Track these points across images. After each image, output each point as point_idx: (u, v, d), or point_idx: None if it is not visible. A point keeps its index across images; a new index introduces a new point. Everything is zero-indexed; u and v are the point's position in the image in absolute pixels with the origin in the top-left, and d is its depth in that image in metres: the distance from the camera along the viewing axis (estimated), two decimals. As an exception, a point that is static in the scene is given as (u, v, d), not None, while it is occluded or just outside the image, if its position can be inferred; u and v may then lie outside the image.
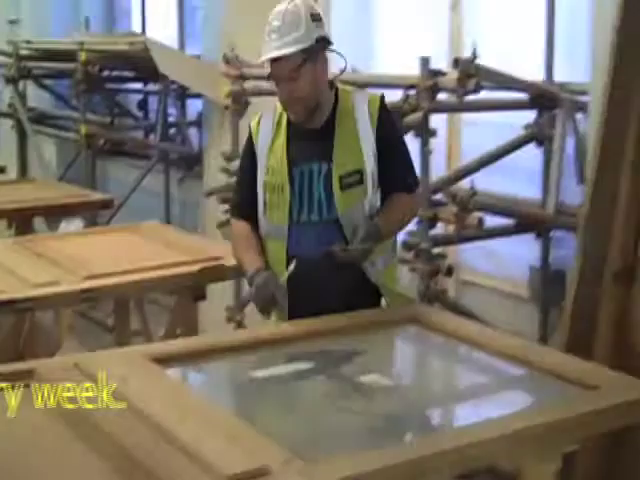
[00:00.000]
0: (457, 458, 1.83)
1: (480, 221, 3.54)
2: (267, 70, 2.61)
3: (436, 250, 3.73)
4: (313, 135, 2.67)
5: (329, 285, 2.67)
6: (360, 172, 2.64)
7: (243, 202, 2.80)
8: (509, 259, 4.37)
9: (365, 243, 2.60)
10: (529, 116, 4.01)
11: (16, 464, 1.81)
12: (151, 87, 7.21)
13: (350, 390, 2.23)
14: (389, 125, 2.71)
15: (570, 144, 3.94)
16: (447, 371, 2.60)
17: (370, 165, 2.64)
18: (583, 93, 3.68)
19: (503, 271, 4.38)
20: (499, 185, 4.15)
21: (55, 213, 4.93)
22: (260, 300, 2.60)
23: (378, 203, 2.72)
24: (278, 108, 2.71)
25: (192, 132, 6.80)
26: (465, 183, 3.81)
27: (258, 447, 1.79)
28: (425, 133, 3.50)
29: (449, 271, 3.65)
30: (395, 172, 2.69)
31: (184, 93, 6.74)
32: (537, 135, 3.96)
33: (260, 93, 4.60)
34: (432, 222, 3.65)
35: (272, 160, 2.68)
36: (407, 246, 3.70)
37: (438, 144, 4.63)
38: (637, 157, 3.03)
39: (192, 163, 6.65)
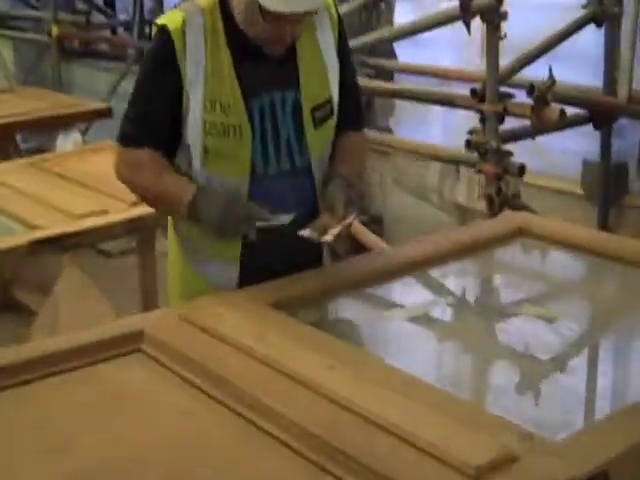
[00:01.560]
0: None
1: (562, 113, 3.17)
2: (270, 8, 1.82)
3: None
4: (268, 56, 1.96)
5: (282, 250, 2.03)
6: (330, 102, 2.01)
7: (151, 133, 1.98)
8: (559, 154, 4.04)
9: (348, 211, 1.97)
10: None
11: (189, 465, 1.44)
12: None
13: (517, 327, 1.90)
14: (346, 43, 2.09)
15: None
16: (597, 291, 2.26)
17: (336, 93, 2.03)
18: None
19: (554, 167, 4.06)
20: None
21: (47, 126, 4.37)
22: (234, 217, 1.91)
23: None
24: (206, 8, 1.92)
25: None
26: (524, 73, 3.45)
27: (487, 423, 1.44)
28: (496, 16, 3.09)
29: (521, 171, 3.31)
30: (351, 103, 2.09)
31: None
32: (598, 15, 3.58)
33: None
34: (500, 116, 3.29)
35: (215, 89, 1.92)
36: (472, 145, 3.34)
37: (473, 32, 4.29)
38: None
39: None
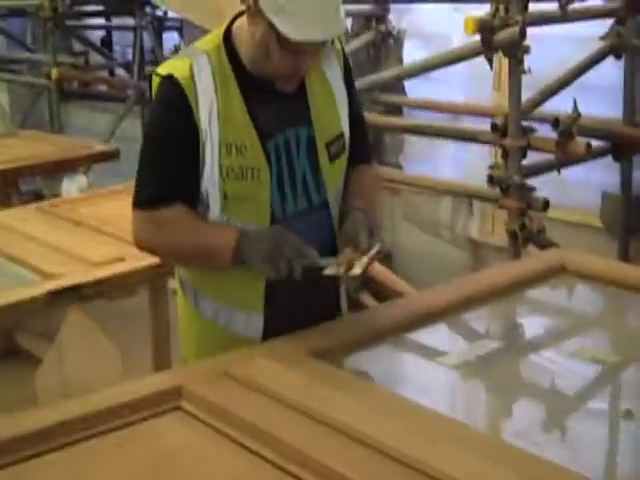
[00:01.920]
0: None
1: (588, 146, 3.09)
2: (291, 37, 1.73)
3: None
4: (279, 92, 1.89)
5: (301, 296, 1.92)
6: (342, 136, 1.95)
7: (175, 190, 1.86)
8: (578, 186, 3.96)
9: (372, 242, 1.88)
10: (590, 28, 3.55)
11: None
12: (116, 21, 6.55)
13: (576, 372, 1.79)
14: (351, 74, 2.02)
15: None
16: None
17: (347, 127, 1.96)
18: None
19: (572, 200, 3.98)
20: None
21: (52, 170, 4.27)
22: (283, 256, 1.78)
23: None
24: (210, 52, 1.85)
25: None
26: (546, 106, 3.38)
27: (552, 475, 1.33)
28: (519, 51, 3.02)
29: (546, 205, 3.22)
30: (360, 136, 2.03)
31: (160, 26, 6.12)
32: (617, 46, 3.53)
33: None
34: (523, 151, 3.21)
35: (229, 133, 1.83)
36: (494, 181, 3.26)
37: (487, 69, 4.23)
38: None
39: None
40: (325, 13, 1.75)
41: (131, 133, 6.27)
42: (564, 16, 3.19)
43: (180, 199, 1.86)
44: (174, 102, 1.82)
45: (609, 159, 3.77)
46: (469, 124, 4.32)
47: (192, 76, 1.81)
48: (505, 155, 3.27)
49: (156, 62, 6.31)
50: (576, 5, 3.30)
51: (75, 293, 2.38)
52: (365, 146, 2.08)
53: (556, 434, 1.59)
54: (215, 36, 1.89)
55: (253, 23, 1.79)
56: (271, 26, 1.74)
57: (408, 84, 4.59)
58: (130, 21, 6.18)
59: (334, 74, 1.96)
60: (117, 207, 3.14)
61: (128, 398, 1.65)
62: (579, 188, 3.95)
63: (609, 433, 1.60)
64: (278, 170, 1.87)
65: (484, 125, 4.32)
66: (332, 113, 1.95)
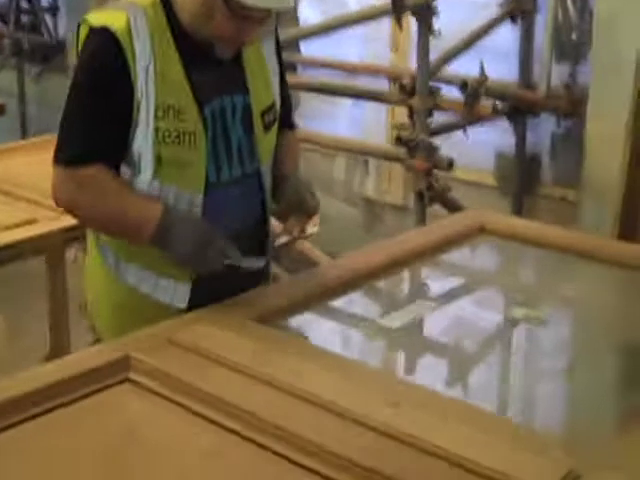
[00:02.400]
0: None
1: (495, 107, 3.16)
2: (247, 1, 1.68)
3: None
4: (216, 58, 1.84)
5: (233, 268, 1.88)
6: (274, 106, 1.95)
7: (101, 147, 1.78)
8: (473, 147, 4.06)
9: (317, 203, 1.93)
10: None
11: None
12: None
13: (523, 334, 1.86)
14: (281, 53, 2.03)
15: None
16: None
17: (278, 98, 1.97)
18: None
19: (469, 160, 4.07)
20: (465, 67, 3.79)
21: None
22: (205, 258, 1.78)
23: None
24: (146, 7, 1.77)
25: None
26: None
27: (528, 439, 1.38)
28: (429, 13, 3.05)
29: (450, 165, 3.29)
30: (287, 103, 2.04)
31: (36, -27, 5.82)
32: (514, 11, 3.62)
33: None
34: (429, 111, 3.26)
35: (167, 95, 1.77)
36: (401, 141, 3.29)
37: (383, 30, 4.25)
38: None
39: (50, 55, 5.84)
40: None
41: (8, 88, 5.97)
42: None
43: (105, 159, 1.78)
44: (109, 56, 1.73)
45: (502, 121, 3.89)
46: (365, 84, 4.37)
47: (129, 31, 1.72)
48: (411, 115, 3.31)
49: (33, 11, 6.01)
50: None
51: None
52: (290, 111, 2.07)
53: (509, 393, 1.64)
54: None
55: None
56: None
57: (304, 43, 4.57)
58: (3, -34, 5.84)
59: (269, 47, 1.95)
60: (25, 164, 2.99)
61: (75, 371, 1.59)
62: (474, 148, 4.04)
63: (558, 387, 1.67)
64: (214, 136, 1.83)
65: (381, 85, 4.42)
66: (266, 84, 1.93)
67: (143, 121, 1.76)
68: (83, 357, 1.68)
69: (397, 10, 3.06)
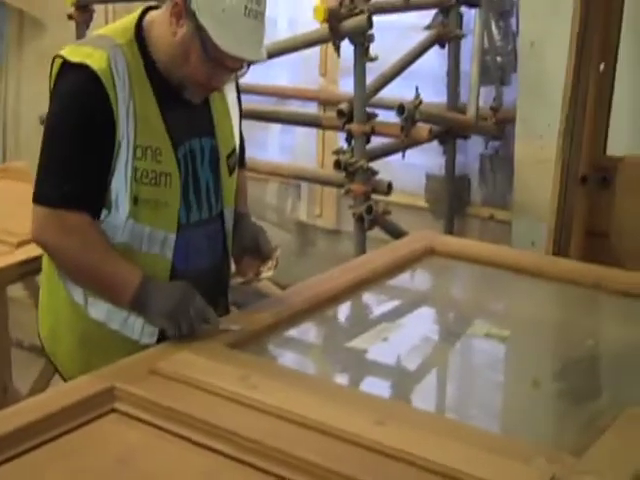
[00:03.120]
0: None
1: (430, 131, 3.27)
2: (224, 48, 1.72)
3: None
4: (187, 101, 1.87)
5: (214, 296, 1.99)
6: (235, 150, 2.01)
7: (87, 192, 1.79)
8: (404, 170, 4.16)
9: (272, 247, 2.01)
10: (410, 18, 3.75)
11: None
12: None
13: (483, 350, 1.93)
14: (239, 91, 2.07)
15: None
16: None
17: (238, 142, 2.03)
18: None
19: (399, 182, 4.17)
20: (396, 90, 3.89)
21: None
22: (188, 317, 1.79)
23: None
24: (123, 46, 1.79)
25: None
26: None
27: (512, 449, 1.45)
28: (366, 39, 3.14)
29: (389, 188, 3.37)
30: (242, 145, 2.09)
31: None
32: (443, 36, 3.75)
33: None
34: (368, 137, 3.34)
35: (145, 135, 1.79)
36: (341, 165, 3.36)
37: (314, 53, 4.32)
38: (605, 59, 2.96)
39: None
40: (255, 37, 1.79)
41: None
42: (405, 5, 3.34)
43: (88, 205, 1.79)
44: (92, 96, 1.74)
45: (431, 144, 4.00)
46: (295, 108, 4.43)
47: (110, 70, 1.74)
48: (349, 140, 3.38)
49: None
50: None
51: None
52: (244, 152, 2.13)
53: (486, 407, 1.72)
54: (125, 29, 1.82)
55: (176, 23, 1.76)
56: (199, 30, 1.72)
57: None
58: None
59: (231, 93, 2.00)
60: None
61: (60, 405, 1.58)
62: (405, 171, 4.15)
63: (526, 401, 1.75)
64: (185, 178, 1.87)
65: (310, 110, 4.49)
66: (229, 129, 1.99)
67: (122, 161, 1.79)
68: (66, 390, 1.67)
69: (334, 36, 3.14)
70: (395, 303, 2.25)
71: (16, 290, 3.03)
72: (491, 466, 1.41)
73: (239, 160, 2.07)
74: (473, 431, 1.54)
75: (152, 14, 1.84)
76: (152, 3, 1.88)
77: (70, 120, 1.78)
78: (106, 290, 1.85)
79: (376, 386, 1.78)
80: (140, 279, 1.80)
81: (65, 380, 1.95)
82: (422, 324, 2.10)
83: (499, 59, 3.81)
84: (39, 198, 1.79)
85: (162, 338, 1.88)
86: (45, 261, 1.97)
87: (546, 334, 2.07)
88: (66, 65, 1.76)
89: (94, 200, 1.80)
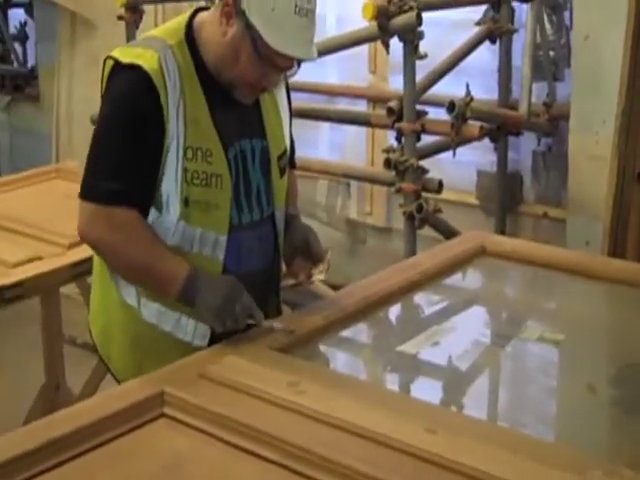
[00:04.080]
0: None
1: (482, 129, 3.22)
2: (275, 47, 1.72)
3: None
4: (237, 101, 1.85)
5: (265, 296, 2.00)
6: (286, 152, 1.99)
7: (135, 191, 1.78)
8: (454, 167, 4.11)
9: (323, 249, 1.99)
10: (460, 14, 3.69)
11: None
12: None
13: (536, 354, 1.89)
14: (289, 91, 2.06)
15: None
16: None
17: (289, 147, 2.02)
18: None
19: (450, 180, 4.12)
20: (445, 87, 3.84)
21: None
22: (233, 313, 1.79)
23: None
24: (174, 47, 1.78)
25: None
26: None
27: (566, 460, 1.41)
28: (415, 36, 3.10)
29: (440, 186, 3.33)
30: (292, 147, 2.07)
31: (5, 3, 5.81)
32: (494, 31, 3.69)
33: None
34: (418, 135, 3.30)
35: (195, 137, 1.78)
36: (391, 164, 3.33)
37: (363, 51, 4.29)
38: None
39: (22, 84, 5.84)
40: (306, 35, 1.77)
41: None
42: (455, 1, 3.29)
43: (136, 203, 1.79)
44: (143, 96, 1.74)
45: (482, 141, 3.94)
46: (344, 106, 4.41)
47: (161, 71, 1.74)
48: (399, 139, 3.35)
49: (2, 40, 5.99)
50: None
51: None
52: (294, 154, 2.11)
53: (539, 414, 1.68)
54: (175, 30, 1.82)
55: (227, 23, 1.75)
56: (249, 29, 1.71)
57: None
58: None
59: (281, 94, 1.99)
60: (20, 199, 2.97)
61: (111, 410, 1.59)
62: (455, 168, 4.10)
63: (580, 408, 1.71)
64: (236, 180, 1.86)
65: (360, 107, 4.47)
66: (280, 130, 1.97)
67: (172, 162, 1.78)
68: (117, 394, 1.68)
69: (383, 33, 3.11)
70: (446, 305, 2.21)
71: (69, 288, 3.08)
72: (542, 477, 1.38)
73: (289, 161, 2.06)
74: (525, 440, 1.50)
75: (202, 15, 1.83)
76: (202, 4, 1.88)
77: (121, 119, 1.77)
78: (154, 283, 1.84)
79: (427, 392, 1.75)
80: (187, 272, 1.79)
81: (117, 380, 1.97)
82: (473, 327, 2.07)
83: (552, 54, 3.73)
84: (87, 194, 1.80)
85: (214, 340, 1.88)
86: (96, 263, 1.98)
87: (601, 338, 2.02)
88: (118, 66, 1.76)
89: (142, 199, 1.80)
